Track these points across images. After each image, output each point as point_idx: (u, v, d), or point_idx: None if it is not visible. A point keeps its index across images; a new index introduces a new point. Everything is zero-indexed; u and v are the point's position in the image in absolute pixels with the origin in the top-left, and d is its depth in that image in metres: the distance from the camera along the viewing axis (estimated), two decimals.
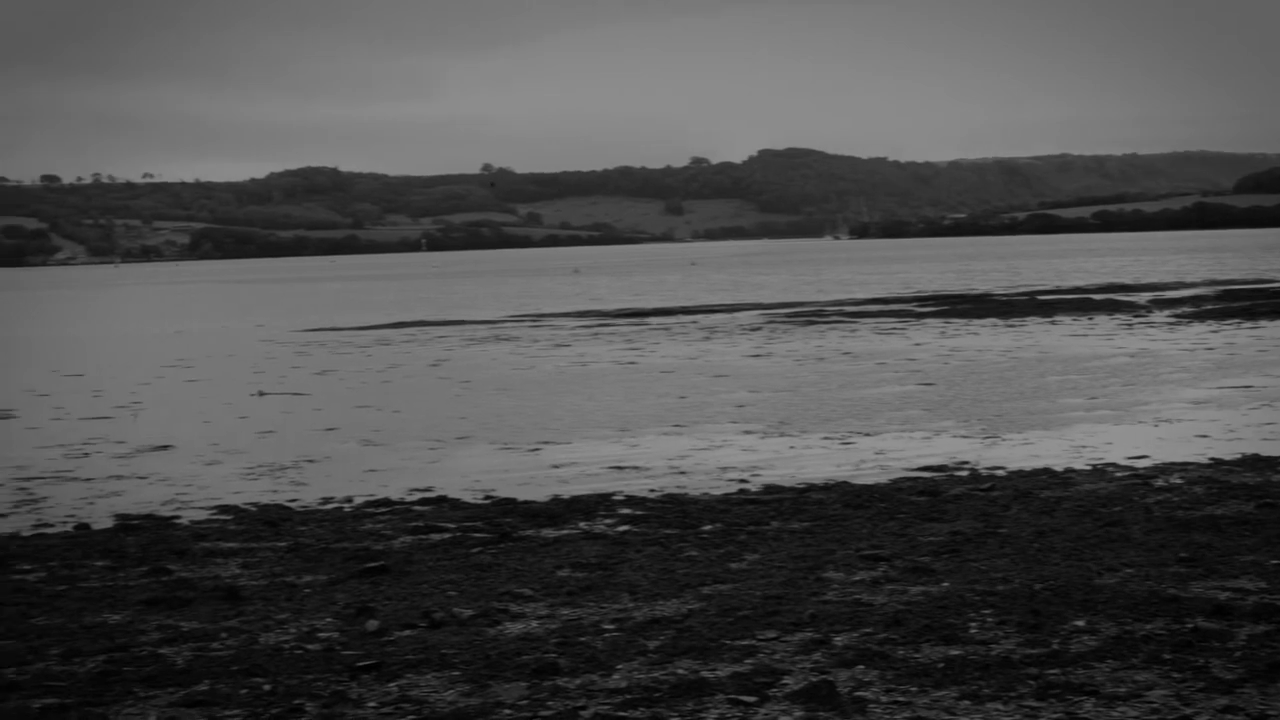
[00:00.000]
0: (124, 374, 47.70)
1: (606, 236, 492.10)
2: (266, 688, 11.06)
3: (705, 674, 11.03)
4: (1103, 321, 57.47)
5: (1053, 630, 11.96)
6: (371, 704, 10.63)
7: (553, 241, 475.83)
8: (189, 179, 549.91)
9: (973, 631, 12.02)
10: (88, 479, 24.56)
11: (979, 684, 10.61)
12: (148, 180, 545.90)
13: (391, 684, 11.08)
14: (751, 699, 10.45)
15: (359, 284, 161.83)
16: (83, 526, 19.68)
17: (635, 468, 23.73)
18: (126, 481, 24.17)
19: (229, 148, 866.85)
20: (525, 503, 20.16)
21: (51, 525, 20.01)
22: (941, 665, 11.07)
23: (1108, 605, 12.65)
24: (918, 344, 48.85)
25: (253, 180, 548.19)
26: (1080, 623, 12.15)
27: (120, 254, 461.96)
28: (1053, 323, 57.49)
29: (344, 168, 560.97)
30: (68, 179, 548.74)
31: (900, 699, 10.39)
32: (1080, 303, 68.98)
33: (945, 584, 13.82)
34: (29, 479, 24.71)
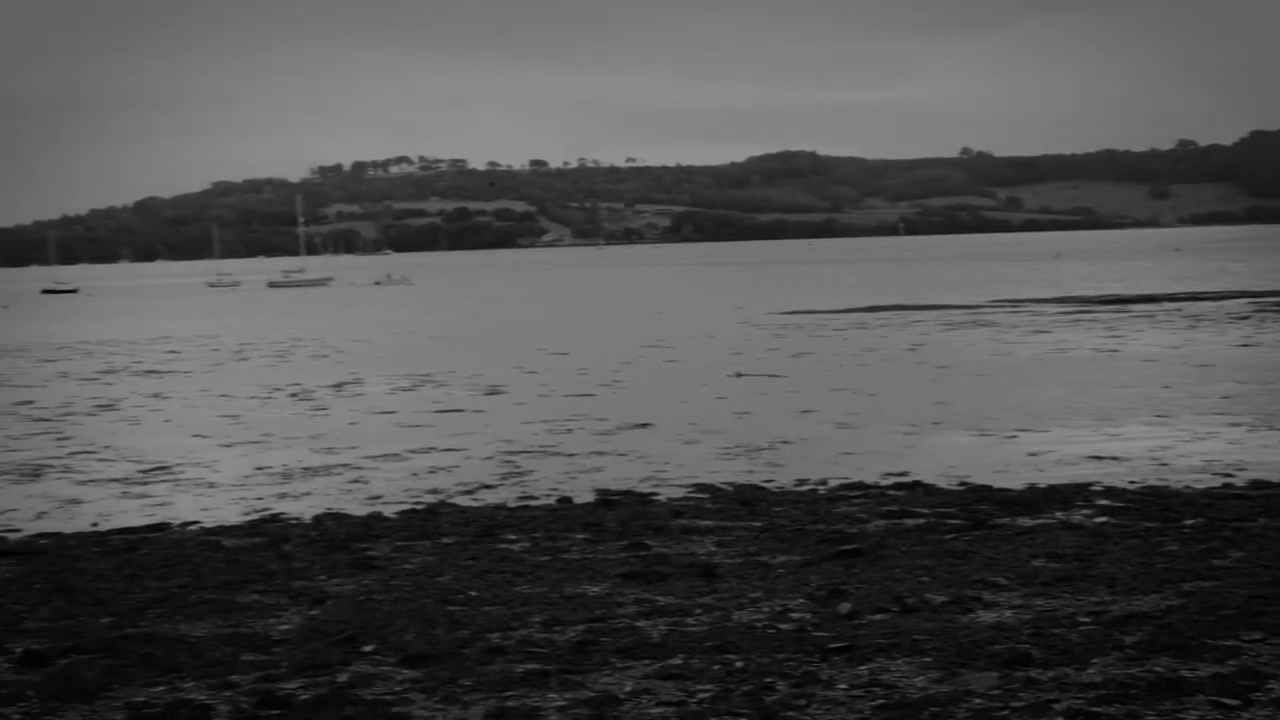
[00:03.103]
0: (606, 353, 49.03)
1: (1088, 221, 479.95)
2: (739, 665, 11.19)
3: (1184, 673, 10.65)
4: None
5: None
6: (841, 686, 10.64)
7: (1032, 226, 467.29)
8: (670, 163, 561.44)
9: None
10: (570, 454, 25.34)
11: None
12: (630, 165, 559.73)
13: (862, 667, 11.07)
14: (1234, 702, 10.03)
15: (836, 267, 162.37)
16: (565, 500, 20.32)
17: (1114, 458, 23.10)
18: (607, 458, 24.83)
19: (709, 132, 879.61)
20: (1001, 490, 19.86)
21: (536, 498, 20.73)
22: None
23: None
24: None
25: (732, 164, 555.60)
26: None
27: (604, 236, 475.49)
28: None
29: (822, 151, 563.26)
30: (554, 164, 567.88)
31: None
32: None
33: None
34: (515, 453, 25.65)
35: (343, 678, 11.16)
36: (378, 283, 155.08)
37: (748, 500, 19.55)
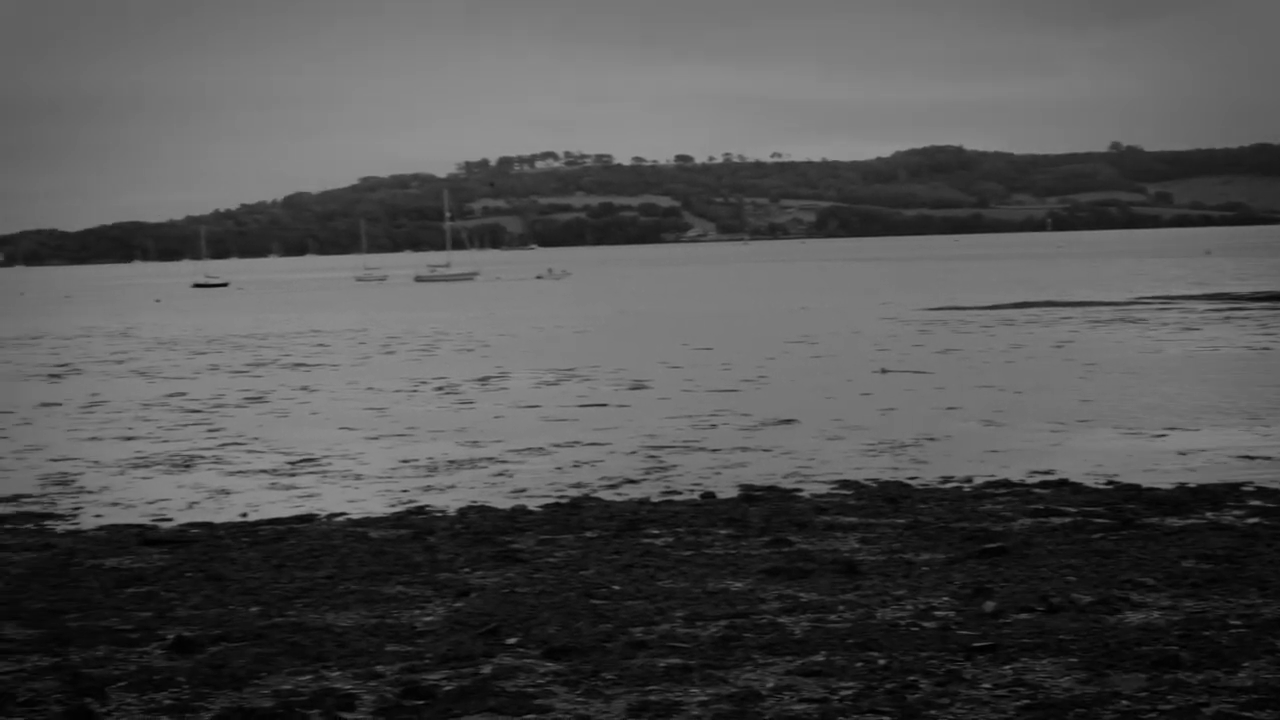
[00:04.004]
0: (751, 348, 48.98)
1: (1240, 216, 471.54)
2: (881, 662, 11.14)
3: None
4: None
5: None
6: (985, 685, 10.55)
7: (1183, 222, 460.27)
8: (815, 158, 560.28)
9: None
10: (714, 449, 25.34)
11: None
12: (776, 160, 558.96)
13: (1006, 666, 10.97)
14: None
15: (982, 263, 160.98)
16: (708, 495, 20.33)
17: (1267, 458, 22.68)
18: (751, 453, 24.81)
19: (855, 127, 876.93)
20: (1149, 489, 19.59)
21: (679, 493, 20.76)
22: None
23: None
24: None
25: (878, 159, 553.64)
26: None
27: (749, 231, 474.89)
28: None
29: (968, 146, 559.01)
30: (700, 159, 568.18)
31: None
32: None
33: None
34: (659, 447, 25.70)
35: (486, 669, 11.25)
36: (539, 276, 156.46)
37: (892, 497, 19.45)
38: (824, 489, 20.64)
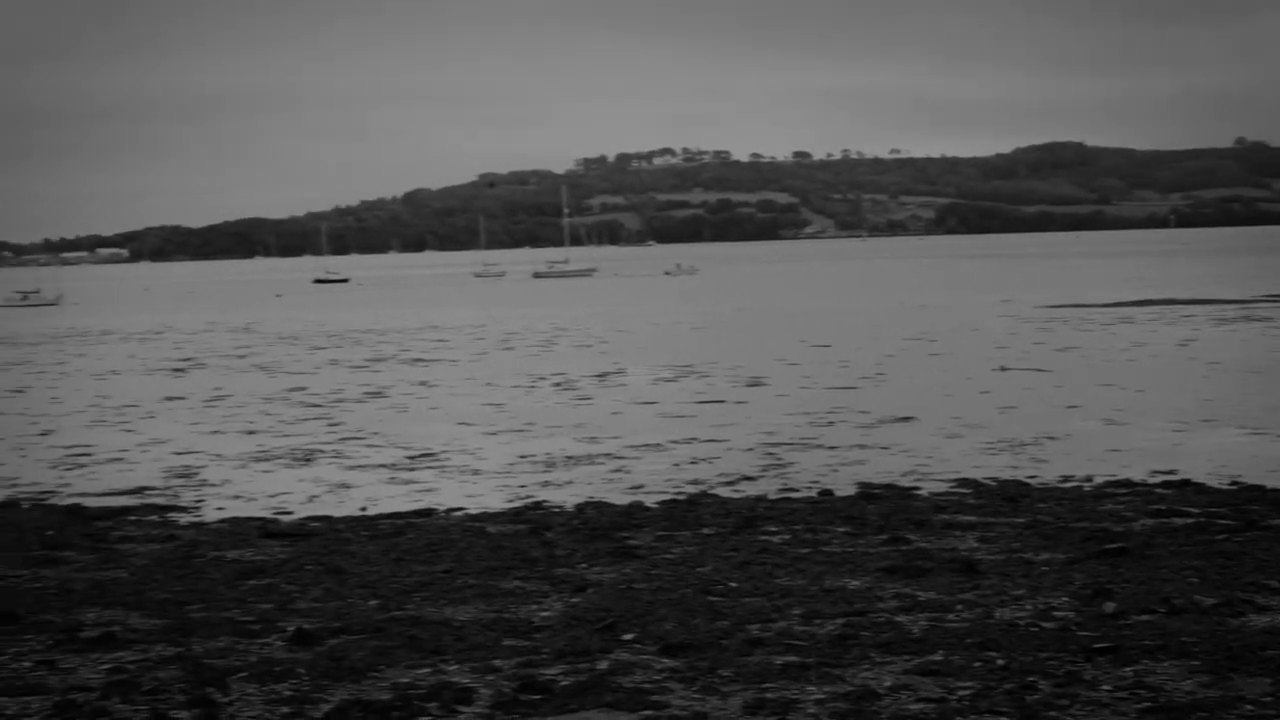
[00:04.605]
0: (869, 345, 48.78)
1: None
2: (1000, 663, 11.05)
3: None
4: None
5: None
6: (1105, 687, 10.43)
7: None
8: (934, 154, 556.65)
9: None
10: (832, 447, 25.26)
11: None
12: (894, 156, 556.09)
13: (1127, 668, 10.84)
14: None
15: (1104, 260, 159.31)
16: (826, 492, 20.27)
17: None
18: (869, 451, 24.71)
19: (974, 123, 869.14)
20: (1275, 490, 19.28)
21: (797, 490, 20.71)
22: None
23: None
24: None
25: (998, 155, 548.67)
26: None
27: (867, 228, 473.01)
28: None
29: (1090, 142, 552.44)
30: (818, 155, 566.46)
31: None
32: None
33: None
34: (777, 444, 25.65)
35: (602, 665, 11.27)
36: (668, 272, 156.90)
37: (1011, 496, 19.29)
38: (942, 487, 20.51)
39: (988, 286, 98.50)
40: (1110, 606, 12.66)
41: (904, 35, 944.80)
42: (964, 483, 20.80)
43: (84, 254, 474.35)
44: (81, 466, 25.63)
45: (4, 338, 74.21)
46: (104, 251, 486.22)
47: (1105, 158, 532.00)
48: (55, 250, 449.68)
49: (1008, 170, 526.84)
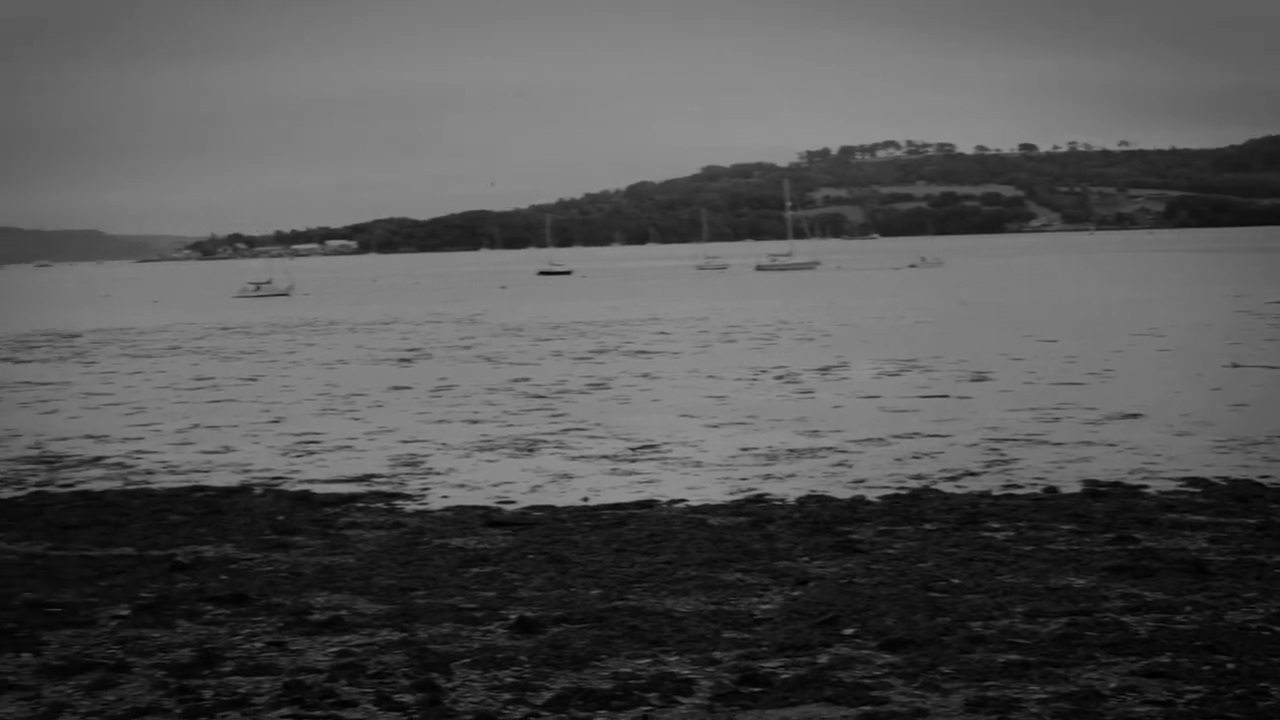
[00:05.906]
0: (1096, 341, 47.96)
1: None
2: (1230, 666, 10.80)
3: None
4: None
5: None
6: None
7: None
8: (1164, 146, 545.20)
9: None
10: (1057, 443, 24.88)
11: None
12: (1123, 148, 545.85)
13: None
14: None
15: None
16: (1051, 489, 19.98)
17: None
18: (1095, 448, 24.29)
19: (1205, 114, 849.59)
20: None
21: (1020, 486, 20.44)
22: None
23: None
24: None
25: (1230, 146, 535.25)
26: None
27: (1095, 221, 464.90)
28: None
29: None
30: (1044, 148, 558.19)
31: None
32: None
33: None
34: (1000, 440, 25.35)
35: (823, 659, 11.25)
36: (912, 265, 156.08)
37: (1242, 496, 18.84)
38: (1171, 486, 20.09)
39: (1220, 281, 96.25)
40: None
41: (1134, 24, 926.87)
42: (1193, 481, 20.36)
43: (314, 246, 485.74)
44: (311, 454, 26.20)
45: (238, 327, 76.18)
46: (333, 243, 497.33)
47: None
48: (287, 242, 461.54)
49: (1240, 163, 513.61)
